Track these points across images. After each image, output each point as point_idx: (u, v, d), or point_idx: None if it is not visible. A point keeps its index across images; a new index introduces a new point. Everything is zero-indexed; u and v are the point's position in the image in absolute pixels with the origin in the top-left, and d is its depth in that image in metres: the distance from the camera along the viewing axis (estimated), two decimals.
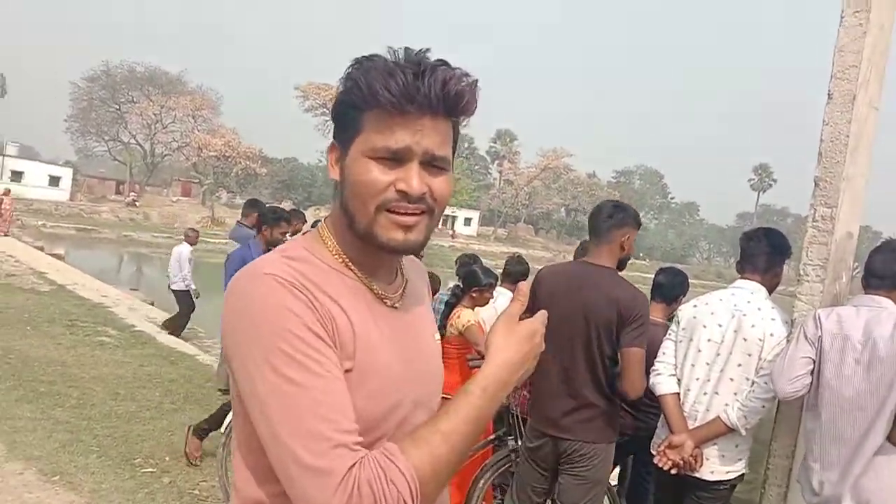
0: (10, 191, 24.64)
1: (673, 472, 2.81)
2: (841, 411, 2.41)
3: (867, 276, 2.55)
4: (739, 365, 2.77)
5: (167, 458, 4.68)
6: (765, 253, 2.89)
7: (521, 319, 1.10)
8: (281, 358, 0.94)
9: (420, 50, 1.02)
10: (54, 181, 49.77)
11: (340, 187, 1.08)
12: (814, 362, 2.49)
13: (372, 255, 1.09)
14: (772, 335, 2.72)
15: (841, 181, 2.70)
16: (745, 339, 2.76)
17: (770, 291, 2.90)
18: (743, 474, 2.87)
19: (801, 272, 2.80)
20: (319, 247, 1.10)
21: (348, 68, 1.04)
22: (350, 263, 1.09)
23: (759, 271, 2.89)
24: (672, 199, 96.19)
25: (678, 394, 2.91)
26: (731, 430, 2.74)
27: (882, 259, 2.53)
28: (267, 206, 5.82)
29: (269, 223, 4.89)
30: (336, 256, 1.09)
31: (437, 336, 1.28)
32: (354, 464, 0.91)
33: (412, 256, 1.24)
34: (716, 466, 2.82)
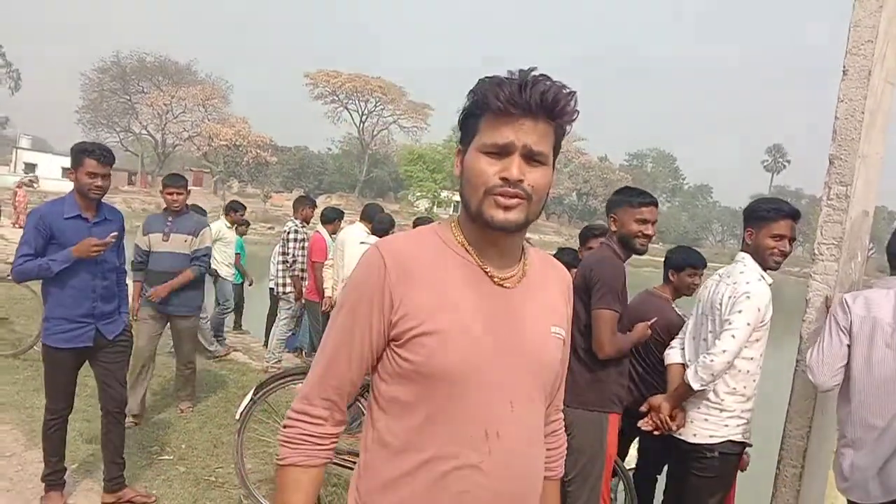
0: (22, 183, 24.90)
1: (656, 433, 2.94)
2: (870, 396, 2.38)
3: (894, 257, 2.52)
4: (711, 330, 2.89)
5: (183, 446, 4.73)
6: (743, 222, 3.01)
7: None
8: (342, 304, 1.34)
9: (530, 68, 1.23)
10: (67, 172, 50.13)
11: (461, 179, 1.30)
12: (849, 348, 2.46)
13: (485, 238, 1.30)
14: (735, 292, 2.77)
15: (856, 159, 2.65)
16: (718, 300, 2.86)
17: (753, 256, 2.88)
18: (734, 442, 2.86)
19: (816, 251, 2.75)
20: (447, 230, 1.35)
21: (474, 86, 1.27)
22: (468, 245, 1.32)
23: (744, 241, 2.97)
24: (685, 181, 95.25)
25: (682, 364, 3.04)
26: (691, 389, 2.79)
27: None
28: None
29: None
30: (457, 237, 1.33)
31: (558, 330, 1.40)
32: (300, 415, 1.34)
33: (555, 260, 1.50)
34: (698, 429, 2.88)
